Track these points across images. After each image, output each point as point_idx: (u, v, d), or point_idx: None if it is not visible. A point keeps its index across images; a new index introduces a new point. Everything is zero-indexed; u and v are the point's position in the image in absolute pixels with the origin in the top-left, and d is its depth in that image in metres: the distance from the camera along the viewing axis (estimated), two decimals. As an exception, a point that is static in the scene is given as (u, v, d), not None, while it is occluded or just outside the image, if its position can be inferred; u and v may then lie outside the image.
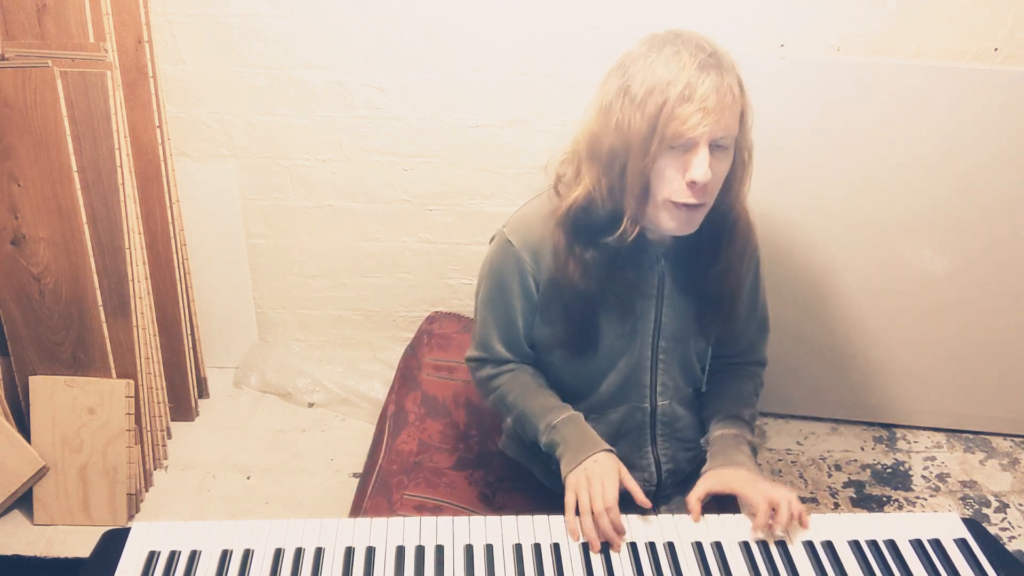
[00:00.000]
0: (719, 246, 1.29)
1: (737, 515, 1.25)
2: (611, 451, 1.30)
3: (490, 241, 1.38)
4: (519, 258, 1.31)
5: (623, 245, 1.24)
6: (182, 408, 2.26)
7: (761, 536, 1.21)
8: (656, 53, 1.14)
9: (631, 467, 1.42)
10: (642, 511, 1.24)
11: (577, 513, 1.22)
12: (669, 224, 1.20)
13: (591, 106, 1.23)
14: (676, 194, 1.16)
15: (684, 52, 1.12)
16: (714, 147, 1.14)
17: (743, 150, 1.21)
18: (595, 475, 1.24)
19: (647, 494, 1.44)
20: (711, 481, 1.30)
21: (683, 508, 1.44)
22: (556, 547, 1.18)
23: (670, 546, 1.18)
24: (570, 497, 1.24)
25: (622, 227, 1.22)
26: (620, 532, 1.19)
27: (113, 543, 1.15)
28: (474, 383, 1.49)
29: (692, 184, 1.14)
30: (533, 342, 1.40)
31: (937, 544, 1.20)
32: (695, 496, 1.26)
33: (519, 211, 1.36)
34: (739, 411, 1.41)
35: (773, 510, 1.21)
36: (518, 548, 1.17)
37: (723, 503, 1.32)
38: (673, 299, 1.34)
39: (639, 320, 1.34)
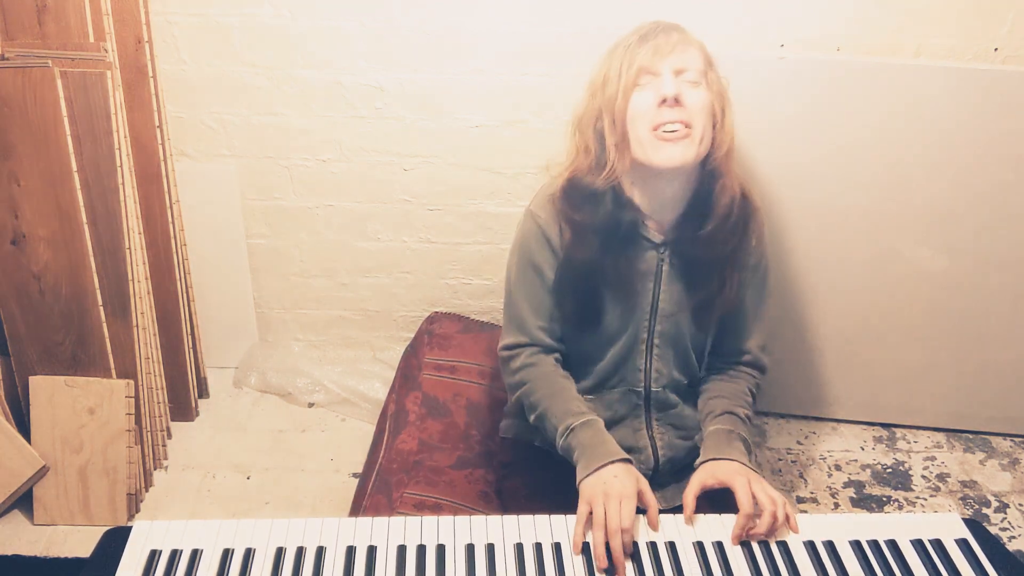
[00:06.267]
0: (707, 208, 1.33)
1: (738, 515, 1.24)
2: (629, 461, 1.27)
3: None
4: (545, 231, 1.36)
5: (619, 221, 1.32)
6: (182, 408, 2.26)
7: (738, 535, 1.19)
8: (636, 42, 1.27)
9: (629, 450, 1.41)
10: (641, 510, 1.24)
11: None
12: (659, 156, 1.25)
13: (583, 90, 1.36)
14: (654, 118, 1.23)
15: (649, 25, 1.28)
16: (682, 82, 1.23)
17: (717, 96, 1.28)
18: (614, 491, 1.20)
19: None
20: (703, 475, 1.29)
21: (678, 498, 1.44)
22: (557, 547, 1.17)
23: (671, 546, 1.18)
24: (583, 508, 1.21)
25: (607, 169, 1.29)
26: (628, 555, 1.16)
27: (114, 542, 1.15)
28: (504, 376, 1.48)
29: (663, 101, 1.22)
30: None
31: (938, 544, 1.20)
32: (690, 493, 1.26)
33: (541, 189, 1.42)
34: (733, 408, 1.41)
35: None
36: (519, 548, 1.17)
37: (717, 503, 1.31)
38: (671, 284, 1.37)
39: (638, 299, 1.36)
